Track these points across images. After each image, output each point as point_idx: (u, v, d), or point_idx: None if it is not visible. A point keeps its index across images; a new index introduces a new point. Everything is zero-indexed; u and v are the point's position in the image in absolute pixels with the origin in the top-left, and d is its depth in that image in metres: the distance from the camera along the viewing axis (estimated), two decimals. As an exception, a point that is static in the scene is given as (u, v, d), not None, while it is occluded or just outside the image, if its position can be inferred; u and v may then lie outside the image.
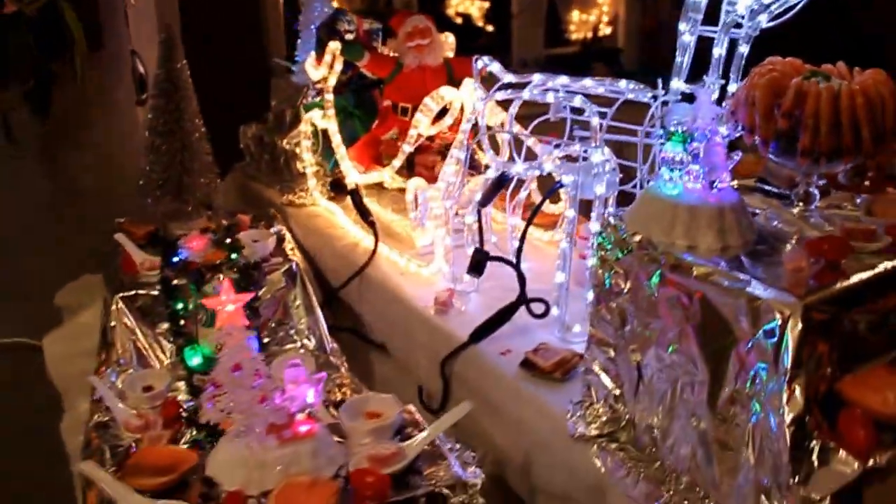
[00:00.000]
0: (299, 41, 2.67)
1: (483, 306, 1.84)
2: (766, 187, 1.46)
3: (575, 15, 5.34)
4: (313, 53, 2.54)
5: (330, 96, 2.35)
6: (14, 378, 2.60)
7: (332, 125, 2.35)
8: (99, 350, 2.03)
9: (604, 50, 5.22)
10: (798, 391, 1.06)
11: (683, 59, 1.44)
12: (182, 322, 1.87)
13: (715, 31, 1.39)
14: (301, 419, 1.35)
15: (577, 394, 1.48)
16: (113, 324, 1.96)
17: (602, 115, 1.67)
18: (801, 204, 1.34)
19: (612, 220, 1.34)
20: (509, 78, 1.80)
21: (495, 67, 1.85)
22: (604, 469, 1.36)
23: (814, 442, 1.06)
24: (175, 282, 1.85)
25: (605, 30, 5.42)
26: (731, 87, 1.43)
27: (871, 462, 1.06)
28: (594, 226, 1.64)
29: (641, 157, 1.70)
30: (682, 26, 1.44)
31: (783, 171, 1.45)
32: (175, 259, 1.84)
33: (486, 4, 5.27)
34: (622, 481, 1.32)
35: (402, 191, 2.23)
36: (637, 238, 1.29)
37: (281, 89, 2.77)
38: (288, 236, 2.27)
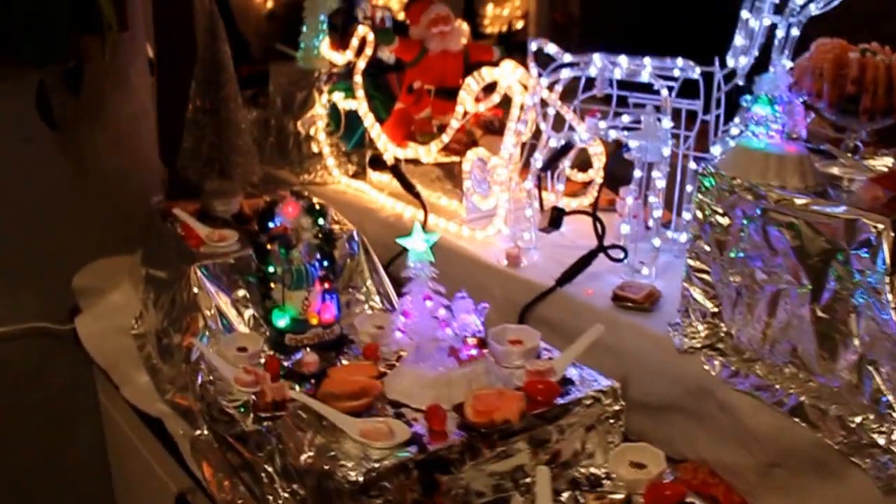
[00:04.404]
0: (304, 28, 2.90)
1: (546, 259, 2.21)
2: (809, 145, 1.91)
3: (490, 9, 5.76)
4: (327, 39, 2.80)
5: (359, 78, 2.63)
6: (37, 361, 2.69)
7: (363, 106, 2.62)
8: (175, 318, 2.22)
9: (518, 43, 5.65)
10: (896, 283, 1.50)
11: (748, 42, 1.87)
12: (272, 285, 2.09)
13: (777, 19, 1.82)
14: (472, 343, 1.65)
15: (670, 319, 1.88)
16: (195, 291, 2.16)
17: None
18: (849, 154, 1.80)
19: (712, 167, 1.74)
20: (567, 58, 2.17)
21: (552, 49, 2.21)
22: (713, 372, 1.75)
23: (909, 319, 1.50)
24: (268, 246, 2.06)
25: (518, 24, 5.87)
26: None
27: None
28: (660, 182, 2.04)
29: (684, 124, 2.11)
30: (745, 14, 1.87)
31: (821, 133, 1.92)
32: (270, 225, 2.06)
33: None
34: (731, 379, 1.72)
35: (438, 165, 2.55)
36: (738, 181, 1.69)
37: (282, 74, 2.98)
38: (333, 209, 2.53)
